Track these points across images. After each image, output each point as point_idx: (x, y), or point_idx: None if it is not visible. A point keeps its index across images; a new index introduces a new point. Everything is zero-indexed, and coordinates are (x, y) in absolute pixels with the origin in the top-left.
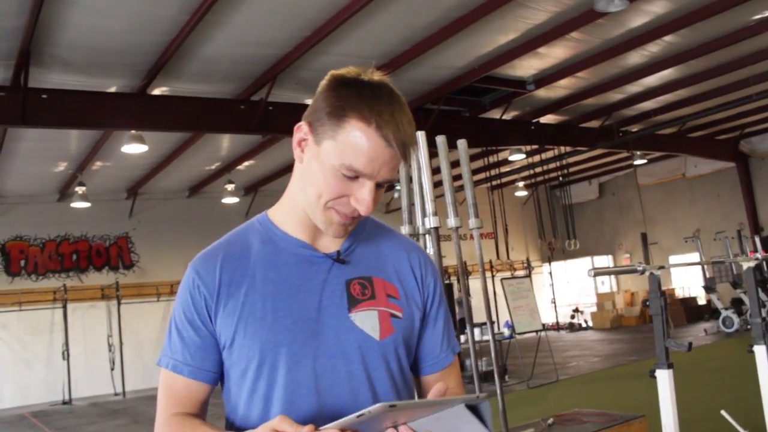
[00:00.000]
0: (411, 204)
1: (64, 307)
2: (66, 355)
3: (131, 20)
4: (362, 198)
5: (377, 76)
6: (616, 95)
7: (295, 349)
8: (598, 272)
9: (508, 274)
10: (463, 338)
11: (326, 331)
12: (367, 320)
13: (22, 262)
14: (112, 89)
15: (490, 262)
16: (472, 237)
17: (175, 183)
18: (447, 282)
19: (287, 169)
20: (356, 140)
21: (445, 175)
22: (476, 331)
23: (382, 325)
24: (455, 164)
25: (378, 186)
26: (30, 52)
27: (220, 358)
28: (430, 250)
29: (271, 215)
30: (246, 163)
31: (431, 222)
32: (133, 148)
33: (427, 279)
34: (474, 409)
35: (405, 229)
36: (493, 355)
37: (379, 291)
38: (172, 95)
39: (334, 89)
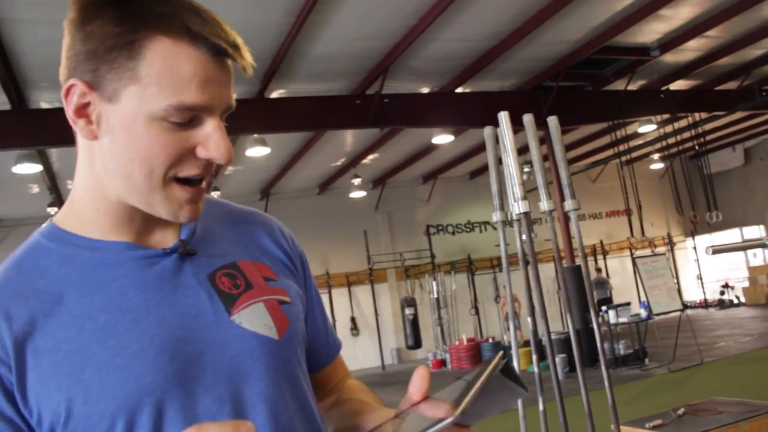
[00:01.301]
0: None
1: None
2: None
3: (242, 29)
4: (215, 141)
5: None
6: (754, 51)
7: (176, 390)
8: (716, 250)
9: (648, 251)
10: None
11: (210, 349)
12: (255, 318)
13: None
14: (234, 97)
15: (627, 239)
16: (601, 216)
17: (304, 181)
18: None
19: (412, 159)
20: (173, 65)
21: (535, 156)
22: (611, 313)
23: (275, 319)
24: (573, 145)
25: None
26: None
27: None
28: (525, 236)
29: (63, 223)
30: (370, 157)
31: (520, 207)
32: (257, 151)
33: (296, 248)
34: (505, 371)
35: (497, 216)
36: (597, 340)
37: (253, 277)
38: (288, 97)
39: (95, 15)
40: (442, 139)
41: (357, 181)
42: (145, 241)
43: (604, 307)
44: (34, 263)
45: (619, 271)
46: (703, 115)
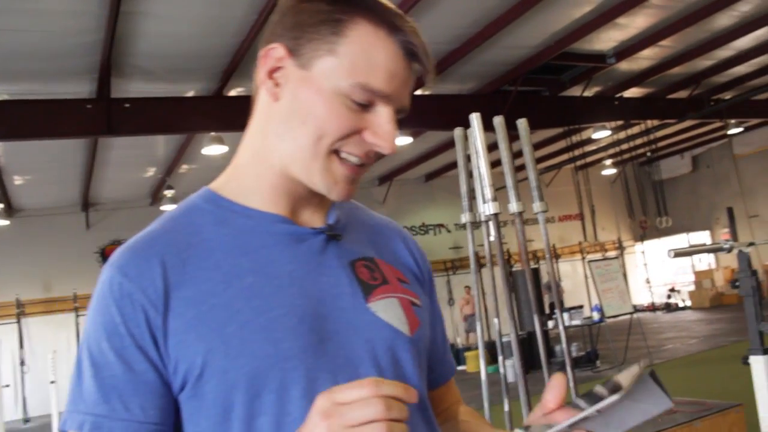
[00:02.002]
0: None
1: None
2: None
3: (203, 25)
4: (384, 130)
5: None
6: (704, 62)
7: (309, 360)
8: (678, 253)
9: (599, 255)
10: (551, 324)
11: (344, 329)
12: (391, 310)
13: None
14: (191, 93)
15: (579, 243)
16: (553, 220)
17: None
18: (534, 266)
19: None
20: (369, 50)
21: (504, 158)
22: (564, 316)
23: (408, 316)
24: (535, 147)
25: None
26: (111, 65)
27: (171, 406)
28: (493, 237)
29: (219, 189)
30: None
31: (490, 208)
32: (214, 150)
33: (425, 265)
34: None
35: (466, 217)
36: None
37: (389, 274)
38: (248, 95)
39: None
40: (401, 140)
41: None
42: (295, 218)
43: (556, 310)
44: (189, 220)
45: (570, 274)
46: (655, 122)
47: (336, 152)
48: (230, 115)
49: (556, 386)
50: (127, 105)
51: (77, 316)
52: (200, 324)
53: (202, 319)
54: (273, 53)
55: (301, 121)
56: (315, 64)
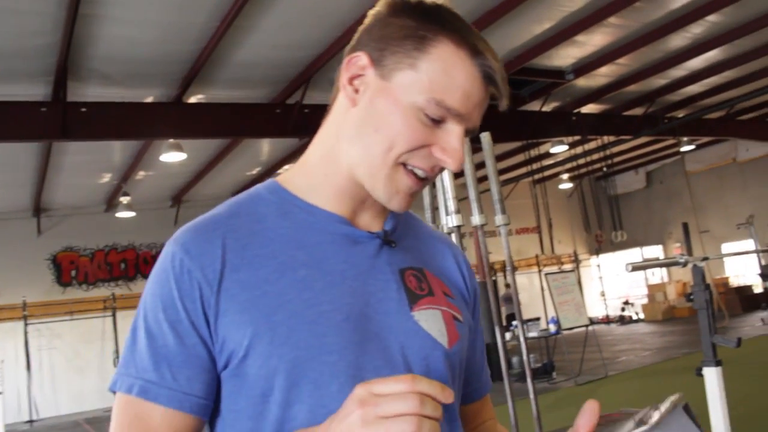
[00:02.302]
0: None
1: (114, 316)
2: (117, 362)
3: (163, 30)
4: (451, 146)
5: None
6: (659, 80)
7: (349, 357)
8: (635, 267)
9: (555, 268)
10: (508, 335)
11: (385, 333)
12: (433, 322)
13: (73, 272)
14: (149, 99)
15: (536, 256)
16: (511, 233)
17: (218, 189)
18: (493, 278)
19: None
20: (449, 69)
21: (467, 170)
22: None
23: (449, 329)
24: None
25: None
26: (67, 67)
27: (215, 381)
28: None
29: (285, 183)
30: (287, 167)
31: (453, 221)
32: (172, 157)
33: (473, 282)
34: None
35: None
36: (524, 354)
37: (435, 287)
38: (207, 102)
39: (402, 12)
40: None
41: None
42: (354, 220)
43: (514, 322)
44: (253, 209)
45: (527, 286)
46: (611, 138)
47: (403, 164)
48: (189, 122)
49: (589, 411)
50: (84, 109)
51: (26, 324)
52: (251, 307)
53: (254, 303)
54: (356, 61)
55: (374, 129)
56: (395, 76)
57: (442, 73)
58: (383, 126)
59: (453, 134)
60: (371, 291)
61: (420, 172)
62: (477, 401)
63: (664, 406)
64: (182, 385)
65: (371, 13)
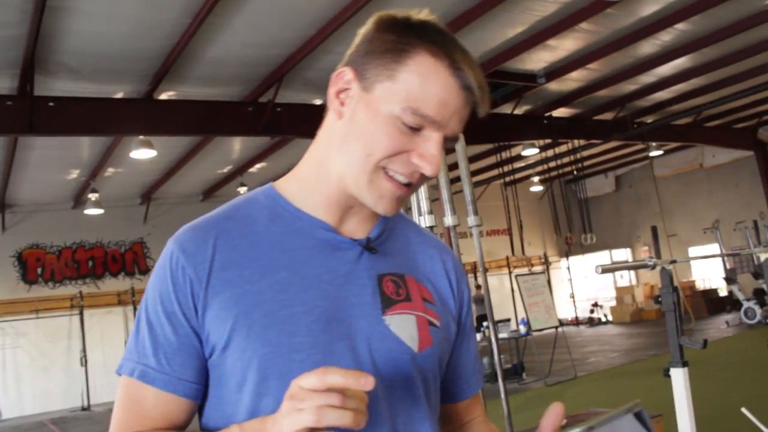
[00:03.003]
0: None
1: (81, 314)
2: (84, 361)
3: (133, 25)
4: (429, 153)
5: (433, 18)
6: (629, 86)
7: (316, 356)
8: (605, 269)
9: (525, 270)
10: (479, 336)
11: (355, 336)
12: (404, 326)
13: (39, 270)
14: (119, 95)
15: (507, 258)
16: (482, 234)
17: (188, 187)
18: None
19: None
20: (424, 78)
21: (442, 172)
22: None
23: (420, 334)
24: (457, 164)
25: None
26: (35, 61)
27: (204, 367)
28: None
29: (280, 188)
30: (258, 166)
31: (426, 221)
32: (142, 154)
33: (462, 286)
34: (637, 416)
35: None
36: (496, 355)
37: (414, 292)
38: (178, 99)
39: (386, 28)
40: None
41: (243, 190)
42: (340, 226)
43: (485, 323)
44: (247, 212)
45: (497, 288)
46: (581, 142)
47: (384, 169)
48: (160, 118)
49: (554, 414)
50: (51, 104)
51: None
52: (233, 304)
53: (235, 301)
54: (342, 75)
55: (356, 138)
56: (376, 88)
57: (418, 83)
58: (363, 135)
59: (431, 141)
60: (346, 295)
61: (401, 178)
62: (466, 399)
63: (619, 410)
64: (176, 370)
65: (360, 31)
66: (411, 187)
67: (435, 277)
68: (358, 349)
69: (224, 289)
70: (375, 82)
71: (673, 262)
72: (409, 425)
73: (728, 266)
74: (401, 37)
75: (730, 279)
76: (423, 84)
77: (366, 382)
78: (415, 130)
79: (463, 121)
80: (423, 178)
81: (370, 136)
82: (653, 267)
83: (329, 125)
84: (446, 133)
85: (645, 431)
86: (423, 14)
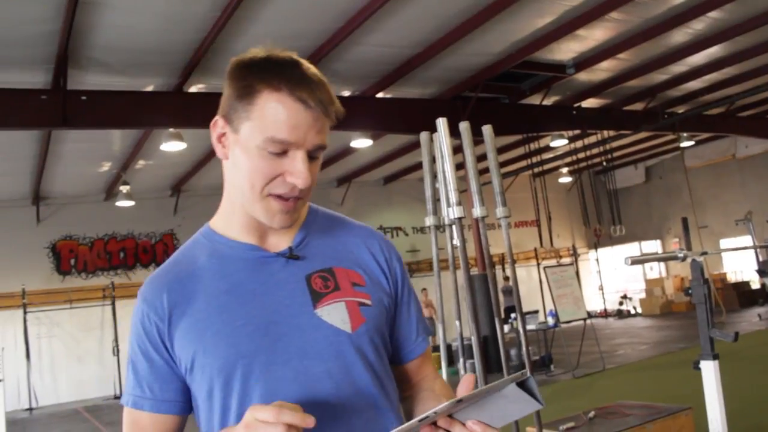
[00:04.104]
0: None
1: (113, 304)
2: (116, 350)
3: (164, 19)
4: (296, 170)
5: (275, 51)
6: (660, 76)
7: (261, 357)
8: (634, 261)
9: (553, 261)
10: (507, 328)
11: (292, 332)
12: (335, 313)
13: (72, 261)
14: (150, 88)
15: (535, 250)
16: (510, 226)
17: (217, 179)
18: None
19: (327, 162)
20: (272, 111)
21: (469, 163)
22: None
23: (351, 316)
24: (485, 155)
25: (310, 157)
26: (68, 56)
27: (183, 385)
28: (456, 241)
29: (213, 225)
30: None
31: (455, 212)
32: (172, 146)
33: (393, 263)
34: (522, 385)
35: (430, 220)
36: (524, 345)
37: (343, 281)
38: (208, 92)
39: (237, 73)
40: (361, 143)
41: None
42: (264, 243)
43: (513, 314)
44: (191, 253)
45: (525, 279)
46: (611, 133)
47: (269, 194)
48: (190, 111)
49: (465, 383)
50: (84, 97)
51: (25, 312)
52: (190, 332)
53: (191, 329)
54: (217, 123)
55: (240, 174)
56: (241, 128)
57: (269, 116)
58: (244, 170)
59: (295, 160)
60: (279, 300)
61: (286, 195)
62: (415, 359)
63: (510, 378)
64: (156, 394)
65: (225, 77)
66: (297, 199)
67: (363, 261)
68: (298, 342)
69: (182, 321)
70: (240, 124)
71: (704, 253)
72: (354, 388)
73: (761, 258)
74: (246, 81)
75: (762, 271)
76: (273, 116)
77: (308, 421)
78: (281, 154)
79: (321, 132)
80: (304, 191)
81: (248, 171)
82: (684, 259)
83: (224, 166)
84: (308, 148)
85: (531, 399)
86: (265, 51)
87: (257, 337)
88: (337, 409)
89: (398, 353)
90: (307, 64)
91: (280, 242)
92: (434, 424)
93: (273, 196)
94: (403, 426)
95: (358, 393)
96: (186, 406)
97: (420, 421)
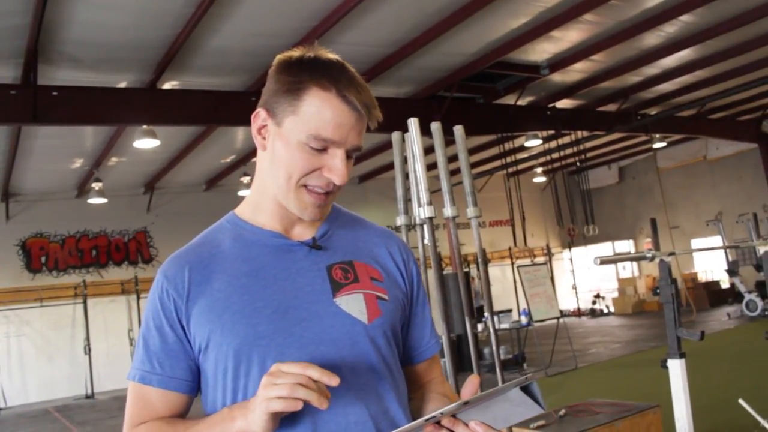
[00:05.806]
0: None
1: (85, 303)
2: (87, 349)
3: (137, 15)
4: (336, 167)
5: (323, 51)
6: (633, 78)
7: (278, 339)
8: (604, 261)
9: (528, 261)
10: (480, 327)
11: (311, 318)
12: (353, 304)
13: (43, 259)
14: (122, 85)
15: (509, 249)
16: (483, 225)
17: (191, 177)
18: (466, 270)
19: None
20: (319, 109)
21: (440, 163)
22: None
23: (369, 308)
24: (468, 152)
25: (347, 156)
26: (38, 50)
27: (193, 366)
28: (427, 240)
29: (239, 213)
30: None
31: (426, 212)
32: (145, 143)
33: (409, 265)
34: (525, 389)
35: (401, 220)
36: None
37: (362, 274)
38: (181, 89)
39: (285, 69)
40: None
41: (246, 179)
42: (289, 232)
43: (486, 314)
44: (214, 237)
45: (500, 278)
46: (585, 133)
47: (305, 186)
48: (163, 108)
49: (470, 384)
50: (55, 93)
51: None
52: (208, 311)
53: (210, 308)
54: (259, 115)
55: (278, 165)
56: (285, 122)
57: (315, 114)
58: (282, 162)
59: (335, 158)
60: (299, 287)
61: (319, 189)
62: (424, 362)
63: (513, 382)
64: (166, 371)
65: (269, 72)
66: (329, 194)
67: (381, 259)
68: (315, 329)
69: (201, 300)
70: (283, 117)
71: (672, 254)
72: (375, 382)
73: (730, 258)
74: (296, 77)
75: (732, 271)
76: (319, 113)
77: (333, 380)
78: (322, 150)
79: (361, 133)
80: (337, 187)
81: (287, 163)
82: (652, 259)
83: (260, 156)
84: (347, 148)
85: (534, 403)
86: (314, 50)
87: (276, 319)
88: (348, 398)
89: (409, 354)
90: (349, 65)
91: (304, 233)
92: (438, 423)
93: (307, 189)
94: (410, 424)
95: (369, 383)
96: (194, 386)
97: (426, 420)
